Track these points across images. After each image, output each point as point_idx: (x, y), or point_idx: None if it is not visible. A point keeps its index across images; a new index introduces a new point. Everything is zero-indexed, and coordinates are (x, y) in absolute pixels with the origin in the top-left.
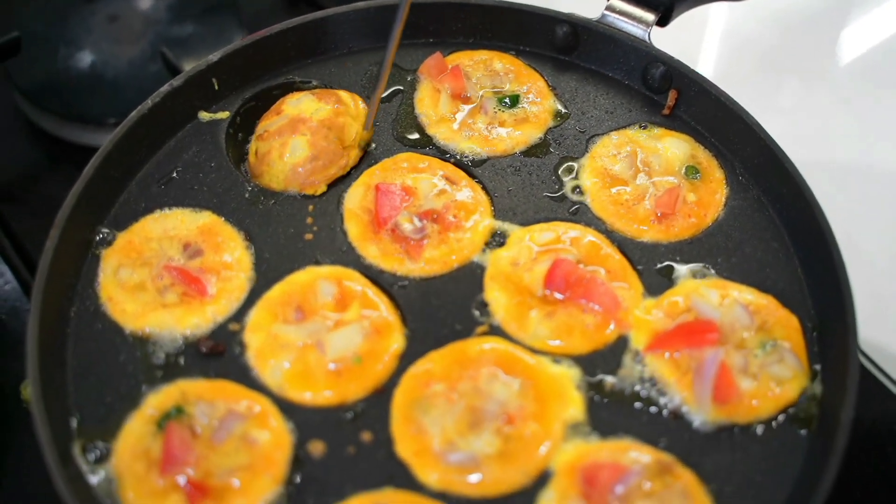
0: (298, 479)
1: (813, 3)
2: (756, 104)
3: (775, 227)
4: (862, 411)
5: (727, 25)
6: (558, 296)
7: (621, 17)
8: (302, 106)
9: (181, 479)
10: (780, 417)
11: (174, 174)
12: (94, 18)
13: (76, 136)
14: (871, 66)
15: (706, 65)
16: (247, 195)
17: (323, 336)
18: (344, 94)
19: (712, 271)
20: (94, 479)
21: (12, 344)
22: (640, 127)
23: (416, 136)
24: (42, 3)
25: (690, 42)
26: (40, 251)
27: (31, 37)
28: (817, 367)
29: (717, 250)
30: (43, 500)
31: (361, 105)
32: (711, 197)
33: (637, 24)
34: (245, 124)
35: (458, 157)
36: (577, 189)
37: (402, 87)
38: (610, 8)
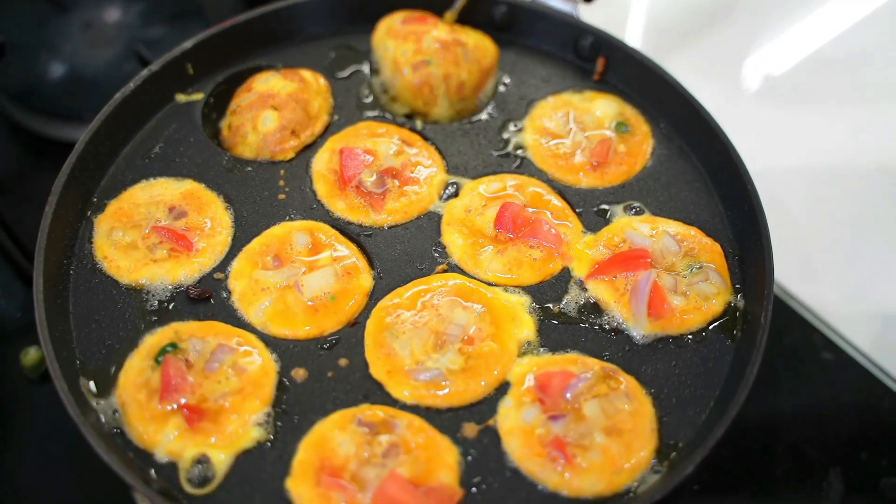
0: (284, 401)
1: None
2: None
3: (697, 170)
4: (783, 337)
5: (650, 9)
6: (508, 235)
7: None
8: (270, 83)
9: (179, 404)
10: (709, 328)
11: (157, 149)
12: (70, 25)
13: (58, 132)
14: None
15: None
16: (224, 163)
17: (300, 278)
18: (307, 73)
19: (644, 209)
20: (99, 408)
21: (7, 323)
22: (574, 91)
23: (374, 111)
24: (22, 12)
25: (616, 21)
26: (30, 236)
27: (14, 43)
28: (739, 285)
29: (646, 192)
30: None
31: (322, 82)
32: (640, 147)
33: (566, 1)
34: (218, 105)
35: (413, 124)
36: (520, 146)
37: (360, 67)
38: None
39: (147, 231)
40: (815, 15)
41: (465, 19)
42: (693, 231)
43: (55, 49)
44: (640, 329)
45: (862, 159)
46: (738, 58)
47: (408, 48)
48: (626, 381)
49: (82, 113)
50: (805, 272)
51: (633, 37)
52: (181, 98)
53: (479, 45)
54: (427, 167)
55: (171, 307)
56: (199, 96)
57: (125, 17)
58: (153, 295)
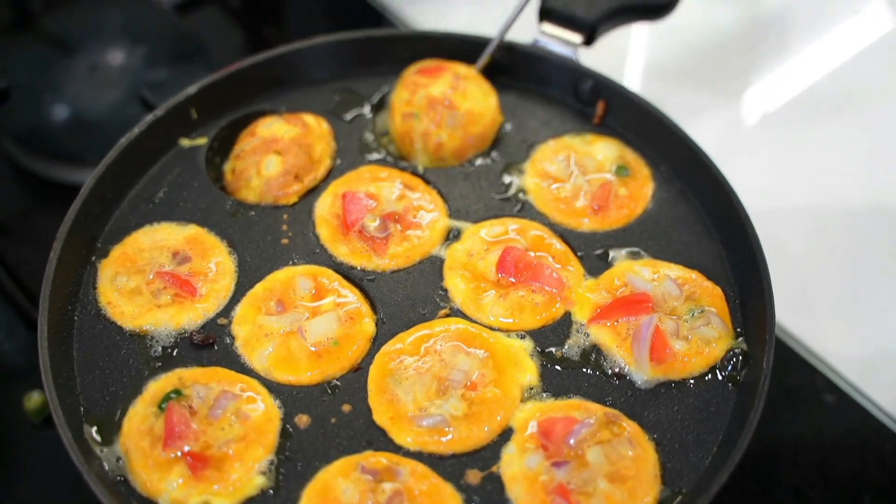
0: (288, 448)
1: (724, 31)
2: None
3: (697, 214)
4: (784, 378)
5: (648, 49)
6: (510, 279)
7: (552, 40)
8: (273, 128)
9: (183, 452)
10: (711, 373)
11: (161, 194)
12: (75, 69)
13: (62, 175)
14: (786, 91)
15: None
16: (227, 208)
17: (303, 324)
18: (309, 118)
19: (644, 253)
20: (103, 456)
21: (10, 366)
22: (574, 134)
23: (375, 155)
24: (27, 56)
25: (615, 64)
26: (33, 278)
27: (18, 85)
28: (740, 329)
29: (647, 236)
30: None
31: (325, 126)
32: (640, 191)
33: (566, 46)
34: (221, 149)
35: (415, 168)
36: (522, 189)
37: (362, 111)
38: (542, 32)
39: (151, 276)
40: (811, 52)
41: (469, 63)
42: (694, 275)
43: (60, 92)
44: (643, 374)
45: (863, 197)
46: (735, 96)
47: (403, 97)
48: (629, 427)
49: (86, 156)
50: (806, 312)
51: (633, 78)
52: (185, 143)
53: (473, 111)
54: (429, 211)
55: (174, 353)
56: (202, 141)
57: (129, 60)
58: (157, 341)
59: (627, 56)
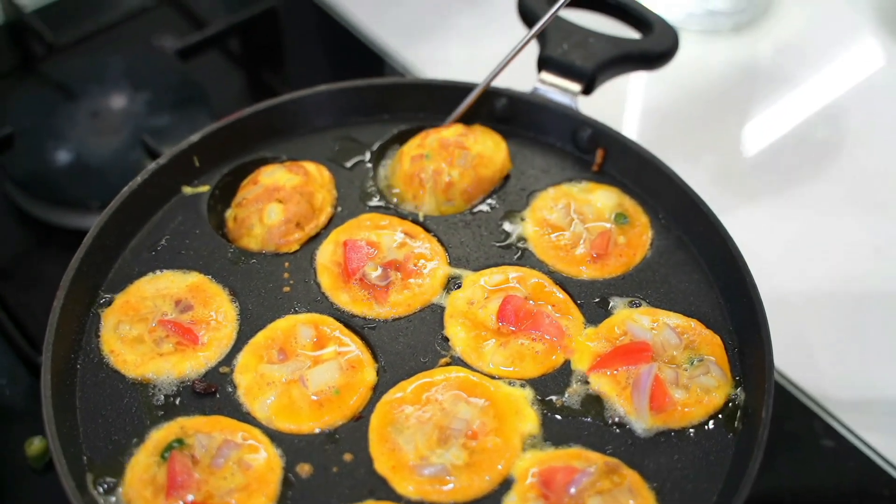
0: (290, 497)
1: (722, 83)
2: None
3: (696, 261)
4: (783, 423)
5: (646, 94)
6: (510, 328)
7: (551, 89)
8: (276, 176)
9: (186, 501)
10: (710, 421)
11: (163, 241)
12: (77, 114)
13: (64, 220)
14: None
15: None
16: (229, 256)
17: (304, 372)
18: (310, 166)
19: (644, 301)
20: None
21: (11, 411)
22: (573, 182)
23: (376, 201)
24: (30, 101)
25: (614, 110)
26: (35, 322)
27: (21, 130)
28: (739, 377)
29: (646, 283)
30: None
31: (326, 174)
32: (639, 238)
33: (565, 94)
34: (223, 196)
35: (416, 216)
36: (521, 237)
37: (363, 159)
38: (541, 81)
39: (153, 324)
40: (810, 93)
41: (470, 113)
42: (693, 323)
43: (62, 137)
44: (643, 422)
45: (865, 241)
46: (734, 140)
47: (414, 143)
48: (630, 476)
49: (87, 201)
50: (804, 356)
51: (631, 123)
52: (187, 190)
53: (483, 154)
54: (429, 259)
55: (177, 402)
56: (205, 188)
57: (131, 106)
58: (159, 389)
59: (626, 102)
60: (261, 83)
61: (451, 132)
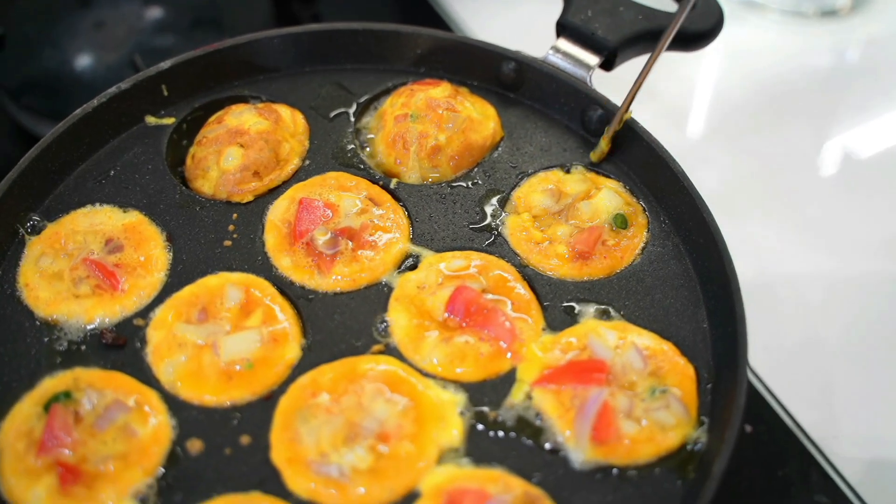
0: (171, 474)
1: (799, 78)
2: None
3: (689, 276)
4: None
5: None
6: (458, 322)
7: (565, 59)
8: (243, 118)
9: (58, 461)
10: (659, 463)
11: (112, 172)
12: (81, 23)
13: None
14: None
15: (696, 124)
16: (177, 198)
17: (219, 338)
18: (285, 112)
19: (618, 313)
20: None
21: None
22: (567, 170)
23: (351, 161)
24: (36, 5)
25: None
26: None
27: (21, 36)
28: (706, 418)
29: (626, 293)
30: None
31: (301, 121)
32: (631, 241)
33: (580, 66)
34: (190, 131)
35: (387, 181)
36: (499, 221)
37: (347, 110)
38: (555, 48)
39: (76, 262)
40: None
41: (470, 75)
42: (667, 347)
43: (60, 46)
44: (580, 452)
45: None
46: (806, 153)
47: (398, 101)
48: None
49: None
50: (818, 401)
51: (697, 116)
52: (151, 120)
53: (473, 118)
54: (388, 231)
55: (82, 349)
56: (170, 120)
57: (138, 22)
58: (66, 334)
59: (694, 89)
60: (289, 14)
61: (439, 91)
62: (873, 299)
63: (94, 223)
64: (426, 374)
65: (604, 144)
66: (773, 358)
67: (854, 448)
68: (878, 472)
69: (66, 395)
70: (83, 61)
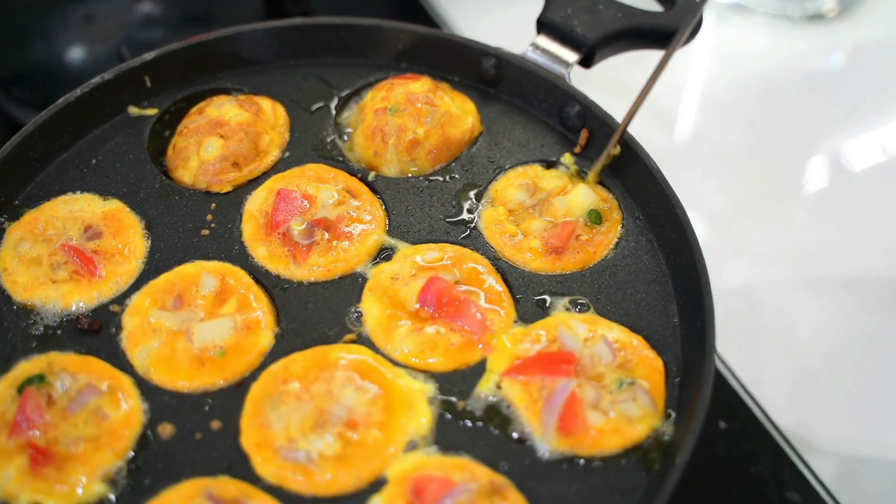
0: (141, 458)
1: (786, 81)
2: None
3: (661, 271)
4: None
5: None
6: (430, 313)
7: (544, 55)
8: (224, 109)
9: (28, 442)
10: (625, 455)
11: (93, 161)
12: (72, 16)
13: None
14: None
15: (683, 127)
16: (157, 187)
17: (193, 325)
18: (266, 104)
19: (590, 308)
20: None
21: None
22: (546, 165)
23: (330, 154)
24: None
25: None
26: None
27: (12, 27)
28: (673, 411)
29: (599, 287)
30: None
31: (282, 114)
32: (604, 236)
33: (558, 63)
34: (172, 122)
35: (365, 174)
36: (476, 215)
37: (327, 104)
38: (534, 45)
39: (55, 247)
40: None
41: (451, 71)
42: (636, 340)
43: (50, 38)
44: (546, 443)
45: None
46: (792, 158)
47: (378, 95)
48: (515, 501)
49: None
50: (798, 397)
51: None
52: (133, 111)
53: (451, 113)
54: (364, 223)
55: (57, 334)
56: (152, 111)
57: (128, 15)
58: (42, 318)
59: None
60: (279, 10)
61: (419, 86)
62: (849, 301)
63: (74, 210)
64: (397, 364)
65: (592, 178)
66: (748, 356)
67: (827, 446)
68: (850, 470)
69: (40, 379)
70: (73, 53)
